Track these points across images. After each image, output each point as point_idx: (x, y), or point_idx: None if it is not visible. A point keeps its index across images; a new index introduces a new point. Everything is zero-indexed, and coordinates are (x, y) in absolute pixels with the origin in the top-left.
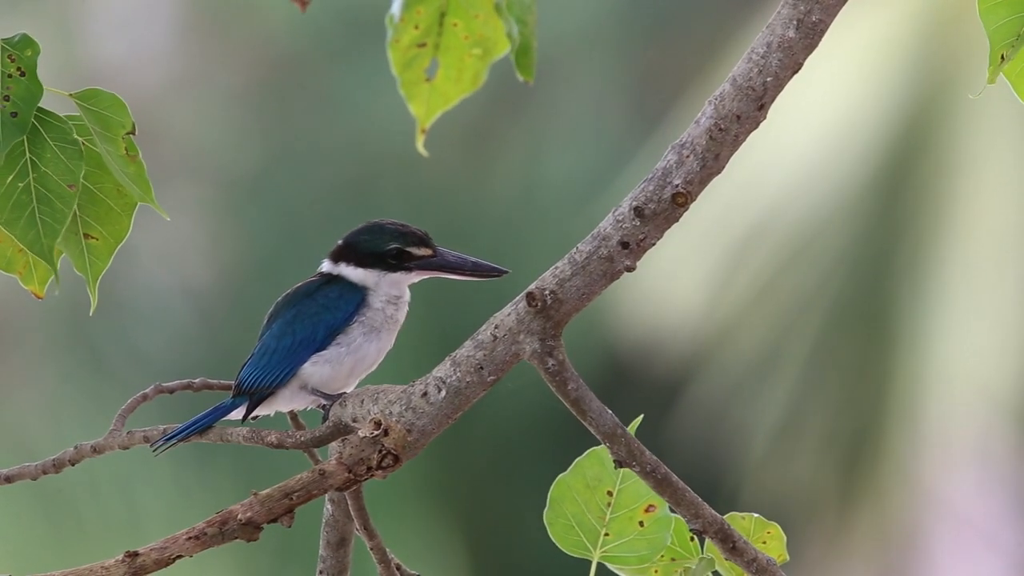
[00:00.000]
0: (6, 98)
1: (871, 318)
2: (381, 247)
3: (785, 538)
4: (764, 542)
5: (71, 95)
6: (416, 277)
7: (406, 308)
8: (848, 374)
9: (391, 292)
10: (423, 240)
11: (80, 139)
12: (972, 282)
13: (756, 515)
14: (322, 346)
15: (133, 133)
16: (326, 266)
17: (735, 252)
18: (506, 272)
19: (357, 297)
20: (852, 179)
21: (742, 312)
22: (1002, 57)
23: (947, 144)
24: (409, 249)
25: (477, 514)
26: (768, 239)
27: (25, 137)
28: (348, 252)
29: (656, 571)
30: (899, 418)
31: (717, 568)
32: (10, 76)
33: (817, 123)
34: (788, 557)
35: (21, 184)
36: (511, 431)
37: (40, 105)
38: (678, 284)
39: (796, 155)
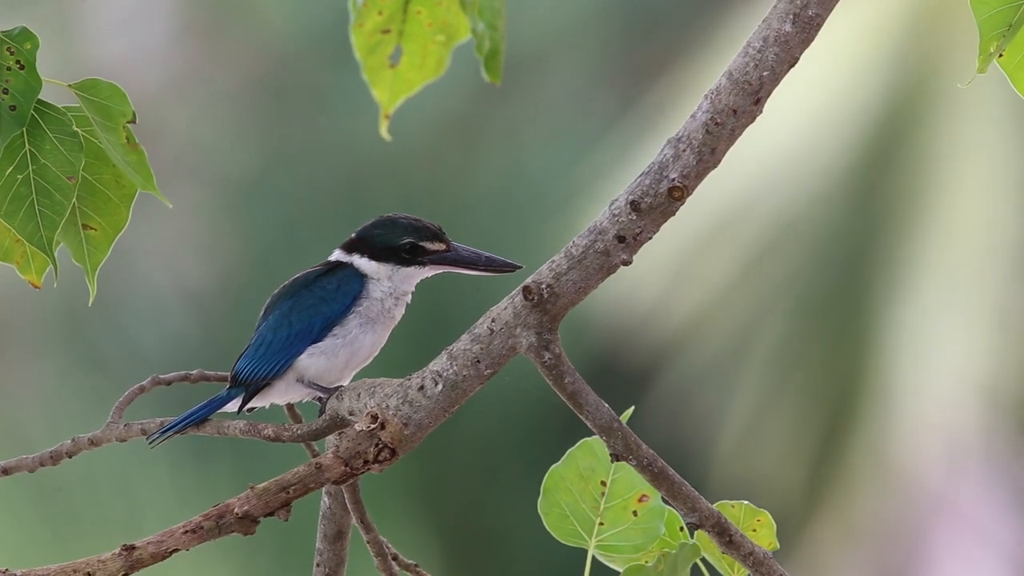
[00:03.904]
0: (5, 91)
1: (845, 310)
2: (395, 241)
3: (775, 525)
4: (754, 529)
5: (70, 86)
6: (430, 272)
7: (404, 308)
8: (819, 367)
9: (401, 287)
10: (437, 235)
11: (79, 130)
12: (948, 276)
13: (746, 503)
14: (318, 338)
15: (134, 122)
16: (337, 255)
17: (707, 241)
18: (520, 267)
19: (356, 288)
20: (830, 170)
21: (713, 302)
22: (992, 48)
23: (927, 136)
24: (423, 244)
25: (466, 508)
26: (742, 229)
27: (24, 129)
28: (361, 245)
29: (646, 560)
30: (869, 412)
31: (706, 556)
32: (9, 69)
33: (796, 114)
34: (778, 545)
35: (20, 176)
36: (502, 424)
37: (40, 97)
38: (647, 273)
39: (773, 145)
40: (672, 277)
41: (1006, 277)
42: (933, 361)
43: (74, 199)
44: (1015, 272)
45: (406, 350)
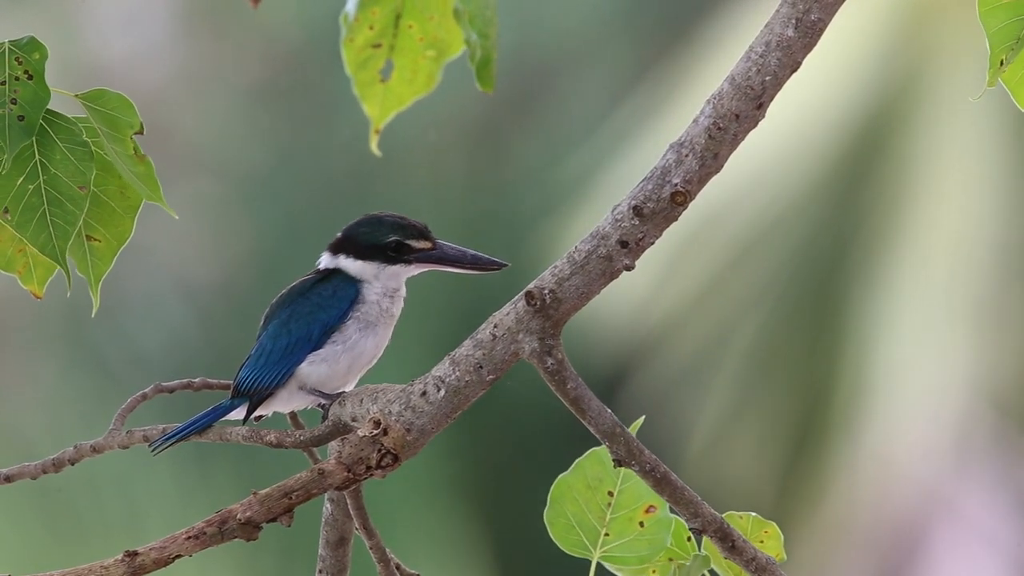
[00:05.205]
0: (13, 101)
1: (820, 315)
2: (380, 239)
3: (783, 536)
4: (762, 541)
5: (77, 96)
6: (415, 270)
7: (401, 303)
8: (795, 369)
9: (389, 285)
10: (422, 233)
11: (89, 140)
12: (928, 278)
13: (754, 514)
14: (318, 345)
15: (141, 133)
16: (325, 259)
17: (684, 245)
18: (505, 265)
19: (351, 293)
20: (809, 175)
21: (687, 306)
22: (1002, 61)
23: (908, 140)
24: (408, 242)
25: (492, 511)
26: (720, 233)
27: (35, 139)
28: (347, 244)
29: (655, 571)
30: (844, 415)
31: (714, 567)
32: (17, 79)
33: (776, 117)
34: (785, 556)
35: (31, 186)
36: (524, 427)
37: (48, 107)
38: (625, 277)
39: (753, 149)
40: (651, 280)
41: (986, 279)
42: (911, 363)
43: (86, 208)
44: (995, 274)
45: (429, 354)
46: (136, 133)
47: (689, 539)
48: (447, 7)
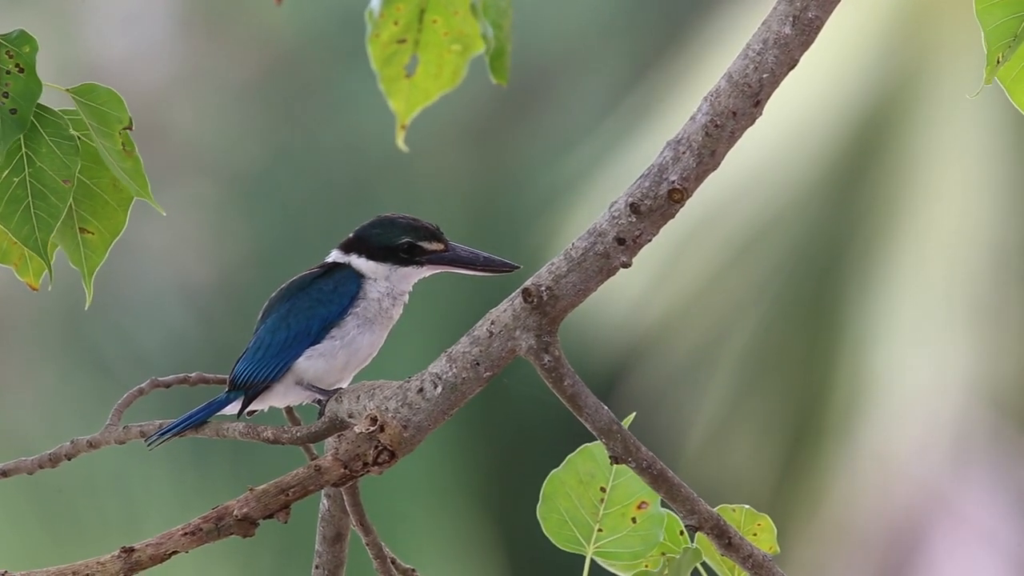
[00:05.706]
0: (5, 95)
1: (818, 314)
2: (393, 241)
3: (775, 530)
4: (755, 534)
5: (68, 90)
6: (428, 272)
7: (402, 308)
8: (790, 371)
9: (399, 286)
10: (435, 234)
11: (77, 134)
12: (925, 277)
13: (747, 506)
14: (316, 340)
15: (130, 128)
16: (334, 255)
17: (681, 242)
18: (517, 267)
19: (352, 289)
20: (807, 173)
21: (685, 303)
22: (999, 59)
23: (906, 139)
24: (421, 243)
25: (490, 507)
26: (717, 230)
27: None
28: (359, 244)
29: (647, 565)
30: (841, 414)
31: (706, 560)
32: (9, 73)
33: (774, 116)
34: (779, 549)
35: (17, 179)
36: (522, 424)
37: (37, 101)
38: (622, 275)
39: (751, 147)
40: (648, 278)
41: (984, 278)
42: (909, 362)
43: (70, 202)
44: (993, 273)
45: (428, 351)
46: (125, 128)
47: (682, 533)
48: (470, 2)
